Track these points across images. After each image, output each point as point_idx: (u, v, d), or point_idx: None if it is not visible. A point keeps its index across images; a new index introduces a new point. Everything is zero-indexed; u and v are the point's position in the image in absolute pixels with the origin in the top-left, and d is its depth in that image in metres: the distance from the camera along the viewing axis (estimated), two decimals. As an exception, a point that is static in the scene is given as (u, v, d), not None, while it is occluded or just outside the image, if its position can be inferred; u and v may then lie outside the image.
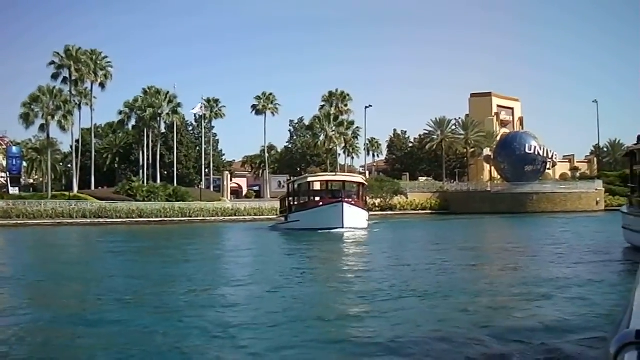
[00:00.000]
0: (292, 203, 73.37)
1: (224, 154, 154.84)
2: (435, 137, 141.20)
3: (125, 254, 42.41)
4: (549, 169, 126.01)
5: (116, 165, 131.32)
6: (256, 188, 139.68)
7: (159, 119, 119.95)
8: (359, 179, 78.67)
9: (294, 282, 25.52)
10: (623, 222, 38.51)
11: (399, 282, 24.66)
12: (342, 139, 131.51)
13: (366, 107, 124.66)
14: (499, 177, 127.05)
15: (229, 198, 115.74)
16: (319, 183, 79.03)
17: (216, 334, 15.81)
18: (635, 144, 38.67)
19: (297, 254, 42.00)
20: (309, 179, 76.59)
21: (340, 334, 15.68)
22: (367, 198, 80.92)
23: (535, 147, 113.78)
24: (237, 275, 27.98)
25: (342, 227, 59.59)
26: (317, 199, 70.70)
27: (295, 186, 73.84)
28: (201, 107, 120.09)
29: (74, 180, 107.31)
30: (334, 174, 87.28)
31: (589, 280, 24.14)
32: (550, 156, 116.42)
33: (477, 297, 21.14)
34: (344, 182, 75.29)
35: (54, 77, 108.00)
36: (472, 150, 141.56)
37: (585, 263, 30.07)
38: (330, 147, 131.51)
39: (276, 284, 24.65)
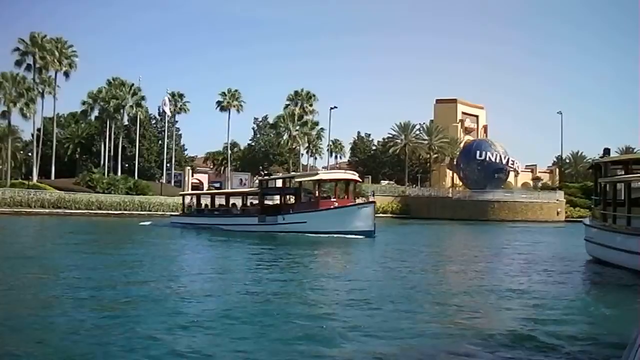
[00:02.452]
0: (279, 202, 66.33)
1: (186, 149, 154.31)
2: (399, 141, 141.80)
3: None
4: (516, 175, 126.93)
5: (77, 156, 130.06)
6: (217, 185, 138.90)
7: (122, 111, 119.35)
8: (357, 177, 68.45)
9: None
10: (586, 234, 38.54)
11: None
12: (306, 139, 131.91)
13: (331, 108, 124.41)
14: (460, 183, 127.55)
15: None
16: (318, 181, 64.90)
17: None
18: (601, 157, 38.81)
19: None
20: (322, 176, 65.45)
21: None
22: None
23: (497, 156, 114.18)
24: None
25: (374, 232, 54.22)
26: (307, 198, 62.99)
27: (293, 183, 65.80)
28: (166, 102, 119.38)
29: (34, 169, 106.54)
30: (343, 171, 77.27)
31: (550, 293, 23.90)
32: (512, 165, 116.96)
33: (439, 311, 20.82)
34: (349, 180, 64.52)
35: (18, 63, 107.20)
36: (435, 156, 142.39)
37: (547, 276, 29.79)
38: (294, 146, 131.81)
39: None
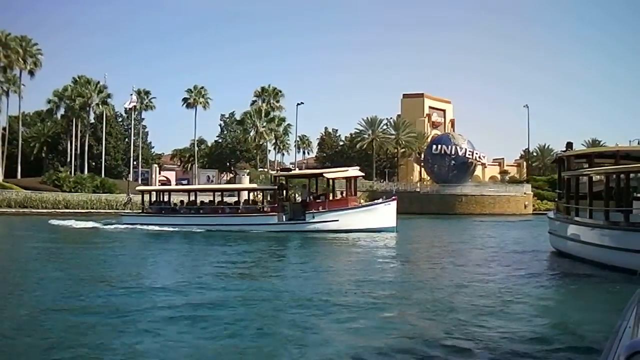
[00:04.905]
0: (304, 198, 60.84)
1: (153, 147, 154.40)
2: (366, 136, 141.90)
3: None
4: (484, 168, 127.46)
5: (43, 155, 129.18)
6: (185, 182, 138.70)
7: (88, 109, 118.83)
8: None
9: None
10: (549, 227, 39.07)
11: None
12: (273, 135, 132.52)
13: (298, 104, 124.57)
14: (428, 178, 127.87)
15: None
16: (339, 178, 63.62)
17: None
18: (564, 151, 39.25)
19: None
20: (352, 173, 62.04)
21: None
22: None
23: (453, 149, 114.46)
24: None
25: (395, 228, 55.06)
26: (337, 195, 61.77)
27: (331, 181, 62.86)
28: (132, 100, 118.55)
29: (0, 168, 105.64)
30: (357, 168, 69.57)
31: (512, 286, 24.21)
32: (479, 159, 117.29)
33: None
34: (358, 177, 64.50)
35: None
36: (403, 150, 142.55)
37: (510, 268, 30.24)
38: (261, 142, 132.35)
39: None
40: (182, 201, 66.36)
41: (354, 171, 63.46)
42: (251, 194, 65.53)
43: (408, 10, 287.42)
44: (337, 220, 55.34)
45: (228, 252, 38.70)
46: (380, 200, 59.11)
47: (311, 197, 60.22)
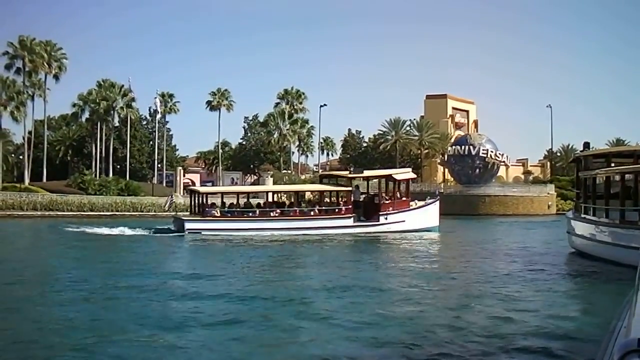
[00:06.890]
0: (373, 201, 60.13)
1: (177, 149, 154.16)
2: (389, 137, 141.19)
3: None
4: (507, 168, 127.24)
5: (69, 158, 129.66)
6: (209, 184, 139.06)
7: (112, 112, 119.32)
8: None
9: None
10: (567, 226, 39.26)
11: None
12: (296, 137, 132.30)
13: (321, 106, 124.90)
14: (452, 179, 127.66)
15: (182, 194, 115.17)
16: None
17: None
18: (581, 151, 39.48)
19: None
20: (411, 175, 66.17)
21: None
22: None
23: (480, 149, 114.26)
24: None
25: (438, 227, 58.39)
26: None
27: (391, 182, 61.15)
28: (156, 101, 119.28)
29: (26, 171, 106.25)
30: (410, 170, 71.77)
31: (525, 283, 24.60)
32: (496, 157, 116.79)
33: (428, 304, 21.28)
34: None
35: (7, 67, 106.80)
36: (426, 151, 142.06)
37: (528, 266, 30.60)
38: (284, 144, 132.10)
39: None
40: (247, 203, 60.76)
41: (411, 174, 66.65)
42: (275, 195, 65.49)
43: (431, 12, 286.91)
44: (404, 221, 56.74)
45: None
46: (429, 201, 60.81)
47: (363, 197, 61.40)
